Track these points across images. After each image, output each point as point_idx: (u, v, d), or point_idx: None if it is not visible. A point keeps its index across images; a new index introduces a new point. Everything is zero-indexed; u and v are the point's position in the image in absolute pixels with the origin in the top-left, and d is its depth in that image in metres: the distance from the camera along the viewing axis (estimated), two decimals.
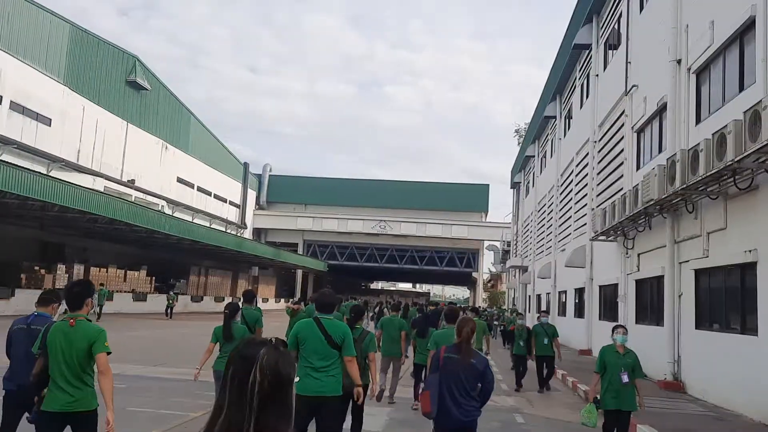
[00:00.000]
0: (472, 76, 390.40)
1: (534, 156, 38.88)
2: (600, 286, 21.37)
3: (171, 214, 44.54)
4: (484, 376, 5.21)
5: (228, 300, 50.92)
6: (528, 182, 42.74)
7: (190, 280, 45.30)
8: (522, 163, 43.44)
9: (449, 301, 23.49)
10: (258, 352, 1.62)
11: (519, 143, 50.36)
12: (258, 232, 67.86)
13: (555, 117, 31.38)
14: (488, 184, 70.84)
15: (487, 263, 73.60)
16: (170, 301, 33.73)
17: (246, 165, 64.16)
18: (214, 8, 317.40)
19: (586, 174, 23.38)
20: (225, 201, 59.31)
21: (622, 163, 18.46)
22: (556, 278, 30.28)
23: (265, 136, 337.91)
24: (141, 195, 42.77)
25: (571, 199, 26.98)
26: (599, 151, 21.69)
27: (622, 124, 18.60)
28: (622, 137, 18.54)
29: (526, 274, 40.44)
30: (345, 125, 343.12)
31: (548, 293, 32.43)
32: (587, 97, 24.22)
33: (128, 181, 41.95)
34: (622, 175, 18.29)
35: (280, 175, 70.97)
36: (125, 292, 36.04)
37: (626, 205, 15.08)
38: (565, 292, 28.18)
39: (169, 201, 47.04)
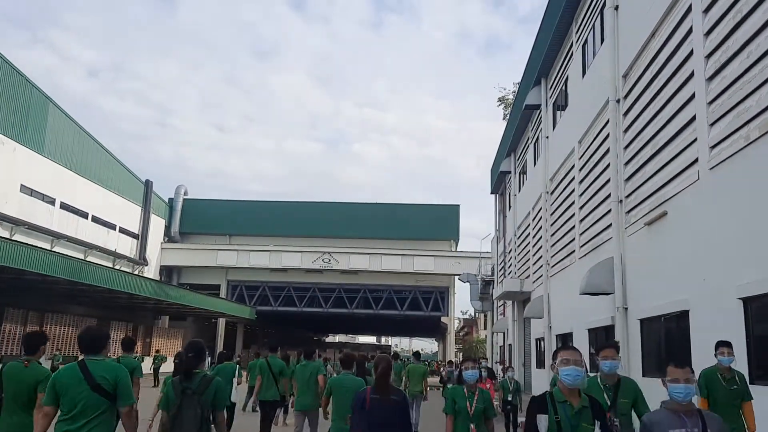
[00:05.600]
0: (438, 133, 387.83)
1: (525, 145, 25.46)
2: (641, 320, 12.76)
3: (8, 237, 30.05)
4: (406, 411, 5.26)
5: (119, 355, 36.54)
6: (510, 195, 29.18)
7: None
8: (508, 149, 29.90)
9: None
10: None
11: (505, 116, 38.03)
12: (168, 271, 53.08)
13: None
14: (458, 205, 57.21)
15: (459, 306, 59.81)
16: None
17: (148, 183, 49.50)
18: (182, 70, 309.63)
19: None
20: (113, 227, 44.55)
21: None
22: (551, 316, 18.80)
23: (233, 194, 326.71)
24: None
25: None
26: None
27: None
28: None
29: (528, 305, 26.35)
30: (314, 183, 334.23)
31: (539, 338, 20.53)
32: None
33: None
34: None
35: (197, 198, 56.49)
36: None
37: None
38: (570, 335, 17.91)
39: (2, 217, 32.50)
